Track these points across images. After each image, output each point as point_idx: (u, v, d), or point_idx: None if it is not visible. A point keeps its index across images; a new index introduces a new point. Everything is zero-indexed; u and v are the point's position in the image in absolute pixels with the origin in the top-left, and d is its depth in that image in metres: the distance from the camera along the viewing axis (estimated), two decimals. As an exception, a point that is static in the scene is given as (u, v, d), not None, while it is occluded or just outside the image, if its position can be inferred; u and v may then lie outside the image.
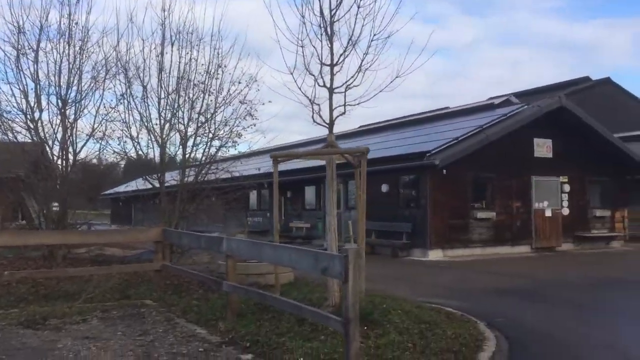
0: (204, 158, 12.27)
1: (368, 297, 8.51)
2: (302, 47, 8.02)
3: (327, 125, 7.82)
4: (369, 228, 18.37)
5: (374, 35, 7.76)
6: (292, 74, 7.62)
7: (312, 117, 7.74)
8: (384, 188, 17.79)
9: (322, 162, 20.87)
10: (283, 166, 21.97)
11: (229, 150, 12.49)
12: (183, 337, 6.07)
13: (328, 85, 7.83)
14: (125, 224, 35.49)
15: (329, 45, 7.85)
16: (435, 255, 16.21)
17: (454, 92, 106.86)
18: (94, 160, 13.71)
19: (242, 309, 7.21)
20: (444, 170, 16.31)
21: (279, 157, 7.82)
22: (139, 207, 35.27)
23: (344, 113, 7.78)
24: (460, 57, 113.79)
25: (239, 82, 11.86)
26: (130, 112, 11.96)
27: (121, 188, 34.41)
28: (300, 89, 7.62)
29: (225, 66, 12.08)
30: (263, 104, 12.57)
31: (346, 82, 7.67)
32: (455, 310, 8.28)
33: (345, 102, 7.71)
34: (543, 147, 18.71)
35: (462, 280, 12.13)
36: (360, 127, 26.91)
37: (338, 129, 8.67)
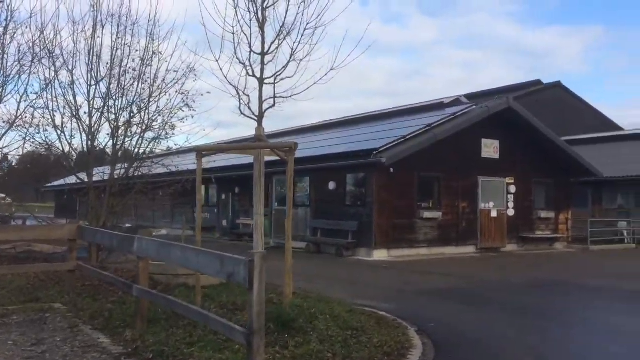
0: (136, 150, 11.56)
1: (299, 300, 8.12)
2: (233, 34, 7.53)
3: (255, 118, 7.34)
4: (315, 226, 18.13)
5: (307, 24, 7.35)
6: (217, 61, 7.11)
7: (240, 108, 7.25)
8: (332, 186, 17.44)
9: (272, 157, 20.37)
10: (233, 161, 21.49)
11: (160, 143, 11.80)
12: (81, 348, 5.49)
13: (258, 75, 7.36)
14: (69, 217, 34.07)
15: (261, 33, 7.38)
16: (380, 255, 15.94)
17: (413, 91, 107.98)
18: (17, 150, 12.76)
19: (156, 315, 6.66)
20: (391, 169, 16.06)
21: (203, 150, 7.28)
22: (84, 200, 33.92)
23: (273, 105, 7.33)
24: (420, 57, 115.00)
25: (175, 71, 11.21)
26: (55, 99, 11.16)
27: (71, 179, 32.98)
28: (226, 77, 7.12)
29: (161, 53, 11.41)
30: (202, 94, 11.93)
31: (276, 72, 7.21)
32: (388, 315, 7.96)
33: (275, 94, 7.25)
34: (490, 148, 18.72)
35: (403, 281, 11.86)
36: (311, 124, 26.50)
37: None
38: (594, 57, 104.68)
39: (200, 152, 7.13)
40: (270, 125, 21.63)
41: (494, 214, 18.59)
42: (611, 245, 21.38)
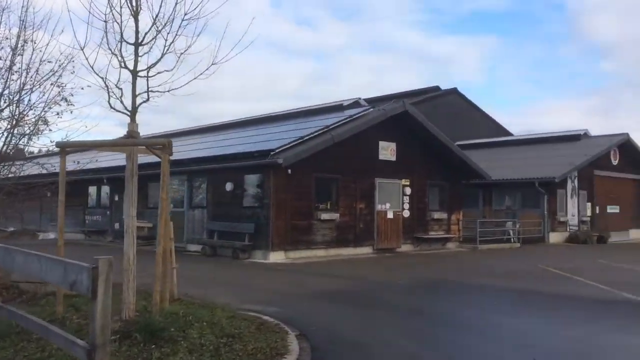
0: (4, 148, 10.52)
1: (179, 306, 7.71)
2: (105, 21, 6.99)
3: (128, 113, 6.84)
4: (211, 229, 17.61)
5: (185, 14, 6.96)
6: (82, 49, 6.54)
7: (109, 102, 6.72)
8: (229, 187, 17.03)
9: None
10: (124, 161, 20.45)
11: (32, 140, 10.82)
12: None
13: (131, 67, 6.87)
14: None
15: (135, 22, 6.89)
16: (276, 257, 15.74)
17: (323, 94, 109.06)
18: None
19: (10, 328, 5.99)
20: (289, 170, 15.93)
21: (67, 146, 6.67)
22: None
23: (147, 100, 6.86)
24: (331, 60, 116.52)
25: (50, 61, 10.31)
26: None
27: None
28: (92, 67, 6.57)
29: (34, 41, 10.46)
30: (82, 88, 11.08)
31: (149, 65, 6.76)
32: (272, 319, 7.73)
33: (148, 88, 6.79)
34: (387, 150, 19.12)
35: (295, 283, 11.72)
36: (211, 124, 25.85)
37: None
38: (488, 66, 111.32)
39: (64, 148, 6.53)
40: (177, 124, 20.88)
41: (390, 215, 18.99)
42: (499, 244, 22.60)
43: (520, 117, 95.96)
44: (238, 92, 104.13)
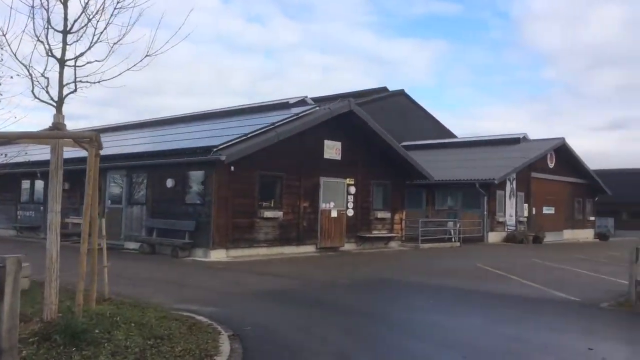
0: None
1: (107, 307, 7.41)
2: (32, 7, 6.61)
3: (54, 104, 6.49)
4: (150, 226, 17.12)
5: (118, 2, 6.67)
6: (4, 35, 6.16)
7: (33, 91, 6.36)
8: (169, 183, 16.59)
9: (108, 152, 18.66)
10: (65, 154, 19.60)
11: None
12: None
13: (59, 56, 6.53)
14: None
15: (64, 8, 6.56)
16: (217, 255, 15.46)
17: (273, 91, 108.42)
18: None
19: None
20: (232, 167, 15.68)
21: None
22: None
23: (75, 91, 6.53)
24: (281, 58, 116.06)
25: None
26: None
27: None
28: (15, 55, 6.20)
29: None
30: (11, 77, 10.50)
31: (77, 55, 6.45)
32: (206, 319, 7.55)
33: (76, 78, 6.47)
34: (333, 149, 19.14)
35: (235, 282, 11.52)
36: (154, 118, 25.16)
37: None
38: (437, 70, 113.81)
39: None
40: (123, 118, 20.18)
41: (334, 214, 19.02)
42: (440, 243, 23.06)
43: (466, 120, 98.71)
44: (187, 87, 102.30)
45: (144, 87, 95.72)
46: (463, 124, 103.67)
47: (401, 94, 39.08)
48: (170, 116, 23.69)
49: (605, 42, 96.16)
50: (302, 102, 19.51)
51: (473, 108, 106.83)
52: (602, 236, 34.18)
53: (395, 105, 37.82)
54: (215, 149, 15.19)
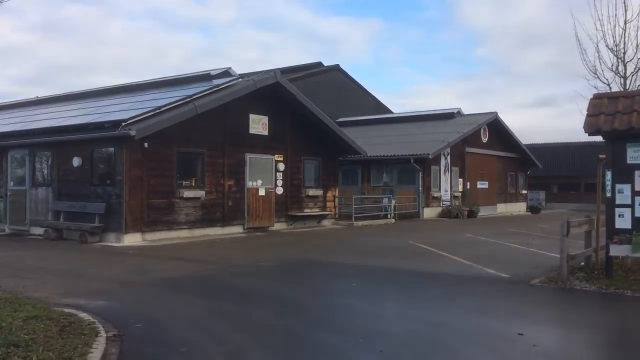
0: None
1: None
2: None
3: None
4: (57, 209, 15.52)
5: None
6: None
7: None
8: (76, 162, 15.07)
9: (9, 128, 16.77)
10: None
11: None
12: None
13: None
14: None
15: None
16: (131, 239, 14.16)
17: (211, 69, 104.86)
18: None
19: None
20: (145, 144, 14.34)
21: None
22: None
23: None
24: (218, 35, 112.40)
25: None
26: None
27: None
28: None
29: None
30: None
31: None
32: (89, 317, 6.43)
33: None
34: (259, 124, 18.03)
35: (143, 270, 10.32)
36: (63, 93, 23.06)
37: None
38: (374, 47, 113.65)
39: None
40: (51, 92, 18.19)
41: (262, 192, 17.99)
42: (375, 220, 22.50)
43: (402, 98, 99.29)
44: (121, 64, 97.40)
45: (74, 64, 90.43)
46: (400, 101, 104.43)
47: (336, 69, 38.13)
48: (82, 90, 21.76)
49: (533, 21, 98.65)
50: (225, 73, 18.20)
51: (409, 86, 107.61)
52: (534, 209, 34.83)
53: (330, 80, 36.92)
54: (124, 124, 13.76)
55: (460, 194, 28.87)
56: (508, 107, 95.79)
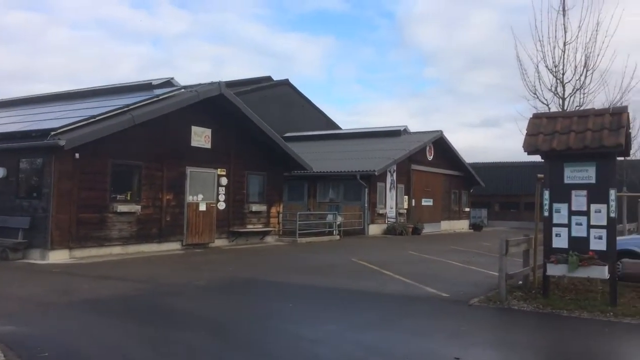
0: None
1: None
2: None
3: None
4: (-23, 223, 14.43)
5: None
6: None
7: None
8: (0, 173, 14.06)
9: None
10: None
11: None
12: None
13: None
14: None
15: None
16: (58, 256, 13.29)
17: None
18: None
19: None
20: (77, 154, 13.56)
21: None
22: None
23: None
24: (170, 47, 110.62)
25: None
26: None
27: None
28: None
29: None
30: None
31: None
32: (-8, 345, 5.77)
33: None
34: (202, 137, 17.47)
35: (63, 290, 9.58)
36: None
37: None
38: (327, 64, 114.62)
39: None
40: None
41: (202, 207, 17.38)
42: (319, 237, 22.20)
43: (354, 115, 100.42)
44: (67, 73, 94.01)
45: (15, 72, 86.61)
46: (352, 118, 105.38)
47: (286, 83, 37.94)
48: (16, 97, 20.60)
49: (480, 44, 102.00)
50: (167, 83, 17.60)
51: (361, 103, 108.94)
52: (476, 227, 35.44)
53: (280, 95, 36.69)
54: (53, 133, 12.97)
55: (405, 211, 29.00)
56: (456, 126, 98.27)
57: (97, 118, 13.90)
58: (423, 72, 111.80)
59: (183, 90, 16.67)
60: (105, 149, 14.36)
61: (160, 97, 15.74)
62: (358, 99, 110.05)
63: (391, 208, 27.87)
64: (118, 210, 14.72)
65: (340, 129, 40.50)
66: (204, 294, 9.81)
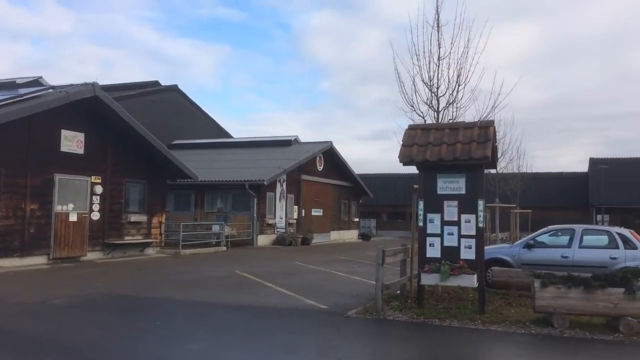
0: None
1: None
2: None
3: None
4: None
5: None
6: None
7: None
8: None
9: None
10: None
11: None
12: None
13: None
14: None
15: None
16: None
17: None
18: None
19: None
20: None
21: None
22: None
23: None
24: (52, 47, 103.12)
25: None
26: None
27: None
28: None
29: None
30: None
31: None
32: None
33: None
34: (73, 142, 16.17)
35: None
36: None
37: None
38: (222, 73, 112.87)
39: None
40: None
41: (73, 217, 16.05)
42: (205, 248, 21.42)
43: (249, 125, 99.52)
44: None
45: None
46: (246, 128, 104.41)
47: (174, 89, 36.65)
48: None
49: (370, 59, 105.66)
50: (34, 82, 16.14)
51: (256, 113, 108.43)
52: (365, 236, 36.23)
53: (168, 101, 35.36)
54: None
55: (295, 221, 28.92)
56: (348, 138, 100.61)
57: (-55, 117, 12.33)
58: (318, 84, 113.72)
59: (52, 90, 15.32)
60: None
61: (25, 97, 14.33)
62: (254, 109, 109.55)
63: (281, 218, 27.66)
64: (-30, 222, 13.14)
65: (231, 137, 39.80)
66: (61, 313, 8.86)
